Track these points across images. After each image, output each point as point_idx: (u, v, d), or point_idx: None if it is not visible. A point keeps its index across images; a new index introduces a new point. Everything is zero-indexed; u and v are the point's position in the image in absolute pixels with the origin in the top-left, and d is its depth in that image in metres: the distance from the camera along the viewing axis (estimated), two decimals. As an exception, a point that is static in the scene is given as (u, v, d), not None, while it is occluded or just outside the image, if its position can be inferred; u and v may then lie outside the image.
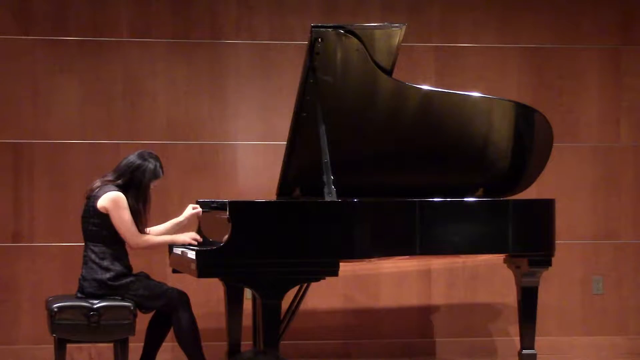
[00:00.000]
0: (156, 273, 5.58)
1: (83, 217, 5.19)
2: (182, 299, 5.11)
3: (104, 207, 5.06)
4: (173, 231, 5.36)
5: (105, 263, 5.05)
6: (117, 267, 5.06)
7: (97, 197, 5.09)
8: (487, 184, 5.74)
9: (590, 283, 6.91)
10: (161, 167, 5.22)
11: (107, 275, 5.03)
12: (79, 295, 5.08)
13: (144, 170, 5.15)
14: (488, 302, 6.83)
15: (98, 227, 5.10)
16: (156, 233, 5.31)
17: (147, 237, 5.15)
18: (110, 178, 5.17)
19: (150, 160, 5.18)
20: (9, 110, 6.57)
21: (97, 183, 5.16)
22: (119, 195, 5.07)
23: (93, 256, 5.08)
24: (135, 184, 5.13)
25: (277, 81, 6.70)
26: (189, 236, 5.23)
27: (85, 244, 5.16)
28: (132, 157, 5.19)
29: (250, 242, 4.80)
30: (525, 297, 5.45)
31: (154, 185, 5.22)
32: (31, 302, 6.46)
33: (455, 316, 6.80)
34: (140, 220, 5.15)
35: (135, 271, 5.19)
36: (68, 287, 5.80)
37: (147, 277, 5.19)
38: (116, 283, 5.04)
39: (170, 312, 5.12)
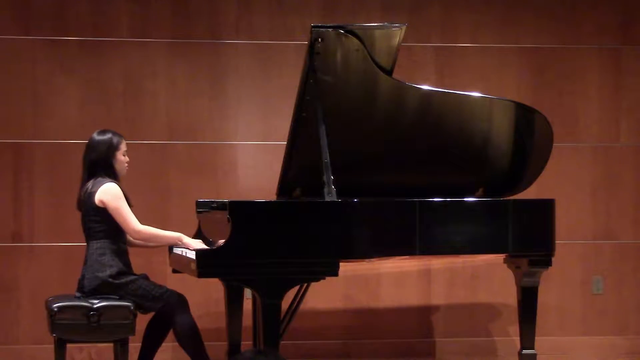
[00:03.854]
0: (156, 273, 5.58)
1: (82, 217, 5.19)
2: (180, 301, 5.11)
3: (101, 201, 5.06)
4: None
5: (106, 259, 5.05)
6: (118, 263, 5.06)
7: (93, 194, 5.09)
8: (487, 184, 5.74)
9: (590, 283, 6.91)
10: (116, 134, 5.21)
11: (108, 272, 5.02)
12: (77, 294, 5.07)
13: (97, 144, 5.16)
14: (488, 302, 6.83)
15: (98, 223, 5.09)
16: None
17: (148, 227, 5.12)
18: (83, 174, 5.19)
19: (98, 136, 5.20)
20: (9, 110, 6.57)
21: (82, 189, 5.15)
22: (114, 186, 5.08)
23: (94, 255, 5.07)
24: (101, 161, 5.14)
25: (277, 81, 6.70)
26: (196, 243, 5.22)
27: (87, 244, 5.15)
28: (89, 140, 5.22)
29: (250, 242, 4.79)
30: (525, 297, 5.45)
31: (123, 153, 5.20)
32: (31, 302, 6.46)
33: (455, 316, 6.80)
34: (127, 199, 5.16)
35: (135, 272, 5.19)
36: (68, 287, 5.79)
37: (146, 278, 5.19)
38: (116, 281, 5.03)
39: (169, 314, 5.12)
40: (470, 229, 5.25)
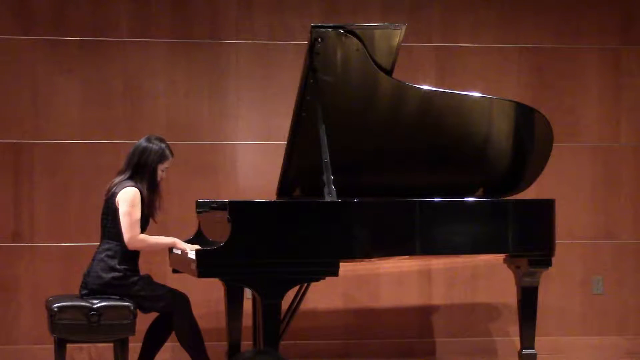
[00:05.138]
0: (156, 273, 5.58)
1: (102, 214, 5.21)
2: (182, 301, 5.12)
3: (118, 202, 5.08)
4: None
5: (113, 262, 5.06)
6: (124, 267, 5.07)
7: (115, 194, 5.11)
8: (487, 183, 5.74)
9: (590, 283, 6.91)
10: (168, 148, 5.24)
11: (111, 274, 5.04)
12: (82, 291, 5.08)
13: (149, 152, 5.18)
14: (488, 302, 6.83)
15: (113, 223, 5.11)
16: None
17: (144, 237, 5.13)
18: (123, 168, 5.22)
19: (156, 142, 5.23)
20: (9, 110, 6.57)
21: (115, 180, 5.18)
22: (134, 191, 5.09)
23: (104, 254, 5.09)
24: (142, 168, 5.16)
25: (277, 81, 6.70)
26: (191, 248, 5.23)
27: (101, 240, 5.17)
28: (139, 142, 5.25)
29: (250, 242, 4.80)
30: (525, 297, 5.45)
31: (163, 169, 5.23)
32: (31, 302, 6.46)
33: (455, 316, 6.80)
34: (151, 211, 5.16)
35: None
36: (68, 287, 5.80)
37: (150, 278, 5.19)
38: (119, 282, 5.04)
39: (171, 314, 5.12)
40: (471, 229, 5.25)
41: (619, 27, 6.96)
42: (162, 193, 5.30)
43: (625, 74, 6.96)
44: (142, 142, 5.24)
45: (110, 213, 5.14)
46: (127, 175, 5.18)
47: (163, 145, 5.24)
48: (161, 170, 5.24)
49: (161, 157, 5.22)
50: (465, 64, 6.86)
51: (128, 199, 5.07)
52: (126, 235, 5.06)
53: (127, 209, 5.06)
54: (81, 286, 5.12)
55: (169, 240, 5.24)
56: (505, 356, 6.73)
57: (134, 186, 5.12)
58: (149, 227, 5.27)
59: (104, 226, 5.19)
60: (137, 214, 5.08)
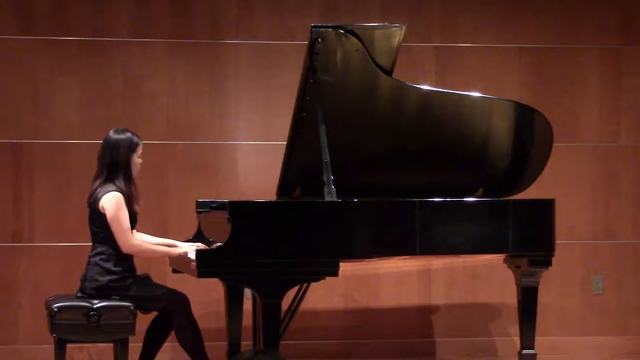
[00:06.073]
0: (156, 273, 5.58)
1: (89, 220, 5.18)
2: (181, 301, 5.11)
3: (103, 207, 5.05)
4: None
5: (109, 265, 5.04)
6: (120, 269, 5.05)
7: (98, 200, 5.08)
8: (487, 183, 5.75)
9: (590, 283, 6.91)
10: (135, 135, 5.16)
11: (108, 277, 5.02)
12: (79, 294, 5.08)
13: (119, 146, 5.10)
14: (488, 302, 6.83)
15: (101, 228, 5.08)
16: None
17: (140, 242, 5.12)
18: (98, 170, 5.15)
19: (121, 133, 5.15)
20: (9, 110, 6.57)
21: (94, 185, 5.14)
22: (117, 195, 5.04)
23: (97, 258, 5.06)
24: (116, 164, 5.09)
25: (277, 81, 6.70)
26: (189, 248, 5.20)
27: (92, 245, 5.14)
28: (107, 138, 5.15)
29: (250, 242, 4.80)
30: (525, 297, 5.45)
31: (138, 156, 5.17)
32: (31, 302, 6.46)
33: (455, 316, 6.80)
34: (132, 204, 5.12)
35: (137, 271, 5.19)
36: (68, 287, 5.80)
37: (148, 278, 5.18)
38: (117, 284, 5.03)
39: (170, 314, 5.12)
40: (471, 229, 5.25)
41: (619, 27, 6.96)
42: (137, 181, 5.18)
43: (625, 74, 6.96)
44: (111, 136, 5.13)
45: (96, 218, 5.10)
46: (104, 177, 5.09)
47: (129, 134, 5.14)
48: (137, 157, 5.17)
49: (131, 145, 5.13)
50: (465, 64, 6.86)
51: (112, 205, 5.02)
52: (120, 241, 5.03)
53: (114, 215, 5.02)
54: (79, 290, 5.10)
55: (164, 250, 5.22)
56: (505, 356, 6.73)
57: (115, 190, 5.06)
58: (148, 227, 5.25)
59: (92, 232, 5.15)
60: (125, 217, 5.04)
